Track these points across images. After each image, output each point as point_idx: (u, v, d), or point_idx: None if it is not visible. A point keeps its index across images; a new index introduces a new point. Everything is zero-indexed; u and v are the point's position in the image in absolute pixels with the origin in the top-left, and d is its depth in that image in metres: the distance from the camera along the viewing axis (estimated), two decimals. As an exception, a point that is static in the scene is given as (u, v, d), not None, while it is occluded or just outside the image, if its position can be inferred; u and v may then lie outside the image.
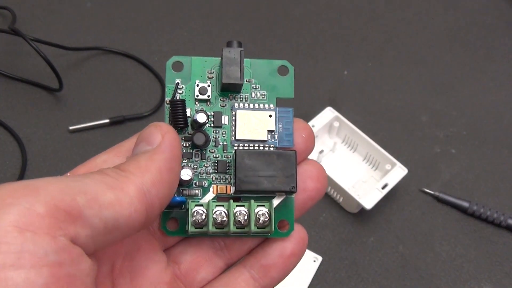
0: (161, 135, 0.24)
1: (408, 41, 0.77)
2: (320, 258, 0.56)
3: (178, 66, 0.28)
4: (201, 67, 0.28)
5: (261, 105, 0.28)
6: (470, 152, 0.66)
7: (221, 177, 0.27)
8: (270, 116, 0.27)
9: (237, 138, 0.27)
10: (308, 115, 0.62)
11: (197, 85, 0.27)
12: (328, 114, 0.62)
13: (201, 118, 0.26)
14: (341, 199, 0.60)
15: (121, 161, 0.24)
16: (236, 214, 0.25)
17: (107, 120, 0.63)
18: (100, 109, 0.64)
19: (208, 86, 0.27)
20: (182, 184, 0.27)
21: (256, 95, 0.28)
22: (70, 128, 0.62)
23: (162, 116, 0.65)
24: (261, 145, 0.27)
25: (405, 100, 0.70)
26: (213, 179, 0.27)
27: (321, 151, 0.61)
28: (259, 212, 0.26)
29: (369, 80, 0.72)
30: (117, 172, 0.22)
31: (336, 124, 0.62)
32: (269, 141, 0.27)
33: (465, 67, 0.75)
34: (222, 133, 0.27)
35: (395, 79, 0.72)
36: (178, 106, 0.26)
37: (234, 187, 0.26)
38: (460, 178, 0.64)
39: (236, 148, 0.27)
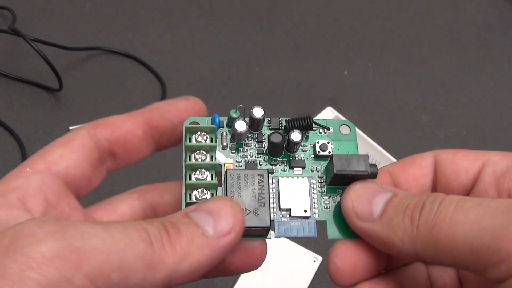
0: (231, 225, 0.22)
1: (408, 41, 0.77)
2: (320, 258, 0.56)
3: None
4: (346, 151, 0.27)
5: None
6: (470, 152, 0.66)
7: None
8: (305, 211, 0.26)
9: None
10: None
11: (328, 143, 0.27)
12: (328, 114, 0.62)
13: (295, 136, 0.27)
14: (341, 199, 0.60)
15: (144, 214, 0.26)
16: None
17: (107, 120, 0.63)
18: (100, 109, 0.64)
19: (329, 143, 0.27)
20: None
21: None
22: (70, 128, 0.62)
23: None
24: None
25: (405, 100, 0.70)
26: (238, 160, 0.26)
27: (321, 151, 0.61)
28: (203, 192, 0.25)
29: (369, 80, 0.72)
30: (162, 243, 0.21)
31: (336, 124, 0.62)
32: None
33: (465, 67, 0.75)
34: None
35: (395, 79, 0.72)
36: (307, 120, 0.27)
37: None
38: (460, 178, 0.64)
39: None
